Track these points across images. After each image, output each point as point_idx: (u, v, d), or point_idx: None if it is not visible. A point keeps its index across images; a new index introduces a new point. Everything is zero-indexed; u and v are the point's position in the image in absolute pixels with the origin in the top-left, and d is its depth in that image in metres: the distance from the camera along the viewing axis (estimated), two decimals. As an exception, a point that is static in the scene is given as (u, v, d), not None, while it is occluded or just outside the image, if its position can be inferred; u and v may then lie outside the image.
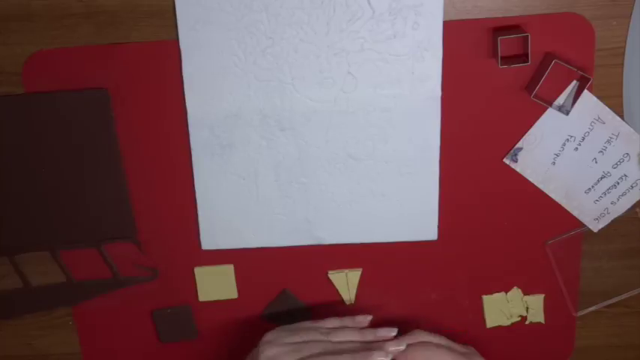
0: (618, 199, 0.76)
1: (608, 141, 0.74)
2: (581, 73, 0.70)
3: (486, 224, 0.78)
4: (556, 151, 0.75)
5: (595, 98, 0.72)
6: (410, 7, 0.69)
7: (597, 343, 0.84)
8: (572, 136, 0.74)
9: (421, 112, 0.73)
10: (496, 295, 0.82)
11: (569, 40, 0.70)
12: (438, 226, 0.78)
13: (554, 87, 0.71)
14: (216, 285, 0.81)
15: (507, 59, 0.70)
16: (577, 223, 0.78)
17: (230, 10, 0.69)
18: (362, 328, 0.75)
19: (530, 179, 0.76)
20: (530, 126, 0.74)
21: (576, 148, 0.74)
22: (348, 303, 0.82)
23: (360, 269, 0.80)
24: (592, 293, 0.81)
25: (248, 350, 0.84)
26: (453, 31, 0.70)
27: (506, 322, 0.83)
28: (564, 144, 0.74)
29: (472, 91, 0.73)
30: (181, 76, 0.72)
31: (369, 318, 0.76)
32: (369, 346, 0.72)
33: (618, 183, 0.76)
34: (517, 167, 0.75)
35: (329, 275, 0.81)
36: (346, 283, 0.81)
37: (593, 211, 0.77)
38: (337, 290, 0.81)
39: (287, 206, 0.77)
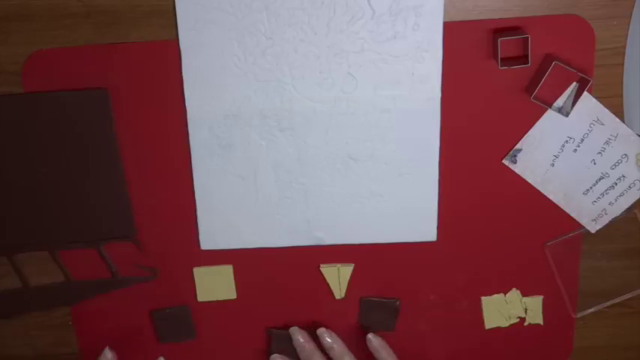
0: (616, 200, 0.76)
1: (607, 142, 0.74)
2: (581, 74, 0.70)
3: (485, 225, 0.78)
4: (555, 152, 0.75)
5: (594, 100, 0.72)
6: (410, 8, 0.69)
7: (598, 343, 0.84)
8: (571, 138, 0.74)
9: (421, 113, 0.73)
10: (495, 296, 0.82)
11: (570, 42, 0.70)
12: (438, 227, 0.78)
13: (553, 88, 0.71)
14: (215, 285, 0.81)
15: (507, 60, 0.70)
16: (576, 224, 0.78)
17: (230, 10, 0.69)
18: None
19: (529, 180, 0.76)
20: (530, 127, 0.74)
21: (575, 150, 0.74)
22: (338, 297, 0.82)
23: (352, 265, 0.80)
24: (592, 294, 0.81)
25: (247, 351, 0.84)
26: (453, 32, 0.70)
27: (505, 324, 0.83)
28: (563, 145, 0.74)
29: (472, 92, 0.73)
30: (181, 76, 0.72)
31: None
32: None
33: (616, 184, 0.76)
34: (516, 168, 0.75)
35: (321, 269, 0.80)
36: (337, 277, 0.80)
37: (591, 212, 0.77)
38: (328, 284, 0.81)
39: (286, 207, 0.77)
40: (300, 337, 0.80)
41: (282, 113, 0.73)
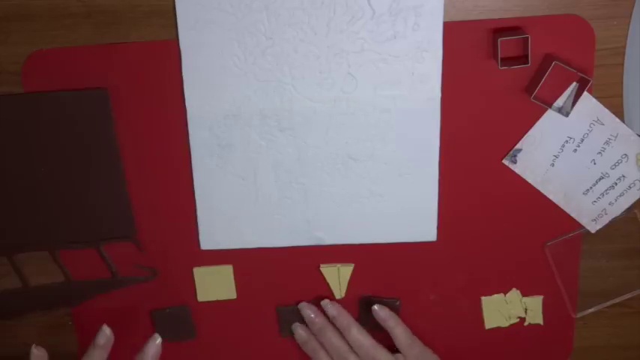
0: (616, 200, 0.76)
1: (607, 142, 0.74)
2: (581, 74, 0.70)
3: (485, 225, 0.78)
4: (555, 152, 0.75)
5: (594, 100, 0.72)
6: (410, 8, 0.69)
7: (598, 343, 0.84)
8: (571, 138, 0.74)
9: (421, 113, 0.73)
10: (495, 296, 0.82)
11: (570, 42, 0.70)
12: (438, 227, 0.78)
13: (553, 88, 0.71)
14: (215, 285, 0.81)
15: (507, 60, 0.70)
16: (576, 224, 0.78)
17: (230, 10, 0.69)
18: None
19: (529, 180, 0.76)
20: (530, 127, 0.74)
21: (575, 150, 0.74)
22: (338, 297, 0.82)
23: (352, 265, 0.80)
24: (592, 294, 0.81)
25: (247, 350, 0.84)
26: (453, 32, 0.70)
27: (505, 324, 0.83)
28: (563, 145, 0.74)
29: (472, 92, 0.73)
30: (181, 76, 0.72)
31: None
32: None
33: (616, 184, 0.76)
34: (516, 168, 0.75)
35: (321, 269, 0.80)
36: (337, 277, 0.80)
37: (591, 212, 0.77)
38: (328, 284, 0.81)
39: (286, 207, 0.77)
40: (310, 311, 0.80)
41: (282, 113, 0.73)
